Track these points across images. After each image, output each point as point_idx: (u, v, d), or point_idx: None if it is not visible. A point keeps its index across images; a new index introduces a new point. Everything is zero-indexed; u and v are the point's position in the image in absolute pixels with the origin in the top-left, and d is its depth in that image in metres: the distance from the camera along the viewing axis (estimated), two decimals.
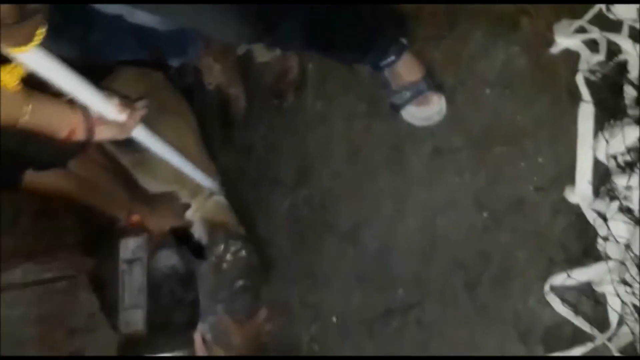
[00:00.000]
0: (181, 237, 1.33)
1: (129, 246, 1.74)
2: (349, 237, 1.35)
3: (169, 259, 1.65)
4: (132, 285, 1.70)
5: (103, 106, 0.88)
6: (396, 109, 1.23)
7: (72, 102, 0.87)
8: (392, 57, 1.17)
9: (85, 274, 1.72)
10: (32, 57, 0.73)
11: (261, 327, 1.17)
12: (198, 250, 1.34)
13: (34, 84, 0.81)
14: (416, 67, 1.19)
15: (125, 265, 1.73)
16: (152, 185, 1.40)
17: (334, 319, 1.41)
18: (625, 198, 0.90)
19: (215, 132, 1.59)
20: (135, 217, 1.35)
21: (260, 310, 1.22)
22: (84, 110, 0.88)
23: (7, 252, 1.58)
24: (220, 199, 1.42)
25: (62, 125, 0.86)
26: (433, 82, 1.20)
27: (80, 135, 0.88)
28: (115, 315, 1.68)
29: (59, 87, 0.80)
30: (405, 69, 1.19)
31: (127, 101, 0.95)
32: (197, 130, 1.51)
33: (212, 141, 1.57)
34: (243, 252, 1.28)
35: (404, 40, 1.19)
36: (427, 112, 1.20)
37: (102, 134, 0.92)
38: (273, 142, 1.48)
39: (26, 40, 0.65)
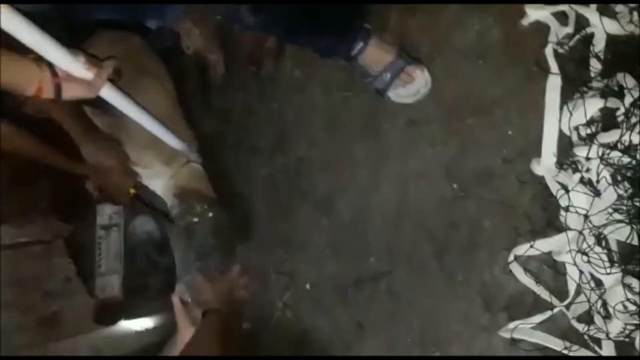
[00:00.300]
0: (145, 201, 1.32)
1: (106, 212, 1.74)
2: (323, 205, 1.37)
3: (145, 224, 1.66)
4: (109, 251, 1.71)
5: (69, 63, 0.87)
6: (381, 92, 1.23)
7: (39, 61, 0.86)
8: (360, 44, 1.18)
9: (61, 239, 1.73)
10: None
11: (234, 282, 1.18)
12: (162, 214, 1.35)
13: None
14: (388, 48, 1.20)
15: (102, 232, 1.74)
16: (128, 149, 1.39)
17: (308, 287, 1.44)
18: (587, 170, 0.92)
19: (194, 97, 1.59)
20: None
21: (233, 267, 1.23)
22: (50, 67, 0.87)
23: None
24: (195, 166, 1.42)
25: (29, 82, 0.85)
26: (409, 56, 1.21)
27: (47, 92, 0.88)
28: (91, 281, 1.70)
29: (24, 44, 0.79)
30: (377, 53, 1.19)
31: (94, 59, 0.94)
32: (174, 95, 1.50)
33: (190, 106, 1.57)
34: (210, 214, 1.29)
35: (367, 26, 1.19)
36: (413, 88, 1.20)
37: (70, 92, 0.91)
38: (251, 108, 1.48)
39: None
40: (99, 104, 1.38)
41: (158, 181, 1.38)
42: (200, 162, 1.44)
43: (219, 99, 1.56)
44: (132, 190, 1.32)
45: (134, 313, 1.63)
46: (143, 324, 1.58)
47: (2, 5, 0.73)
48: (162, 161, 1.37)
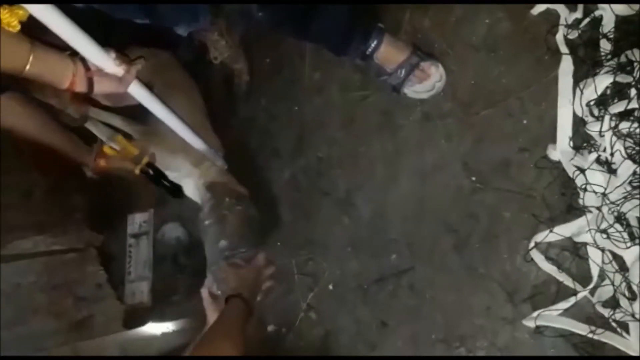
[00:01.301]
0: (157, 174, 1.33)
1: (136, 221, 1.81)
2: (344, 203, 1.40)
3: (174, 231, 1.71)
4: (138, 258, 1.77)
5: (101, 58, 0.94)
6: (396, 89, 1.27)
7: (72, 56, 0.93)
8: (375, 42, 1.21)
9: (94, 247, 1.80)
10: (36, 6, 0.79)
11: (260, 271, 1.19)
12: (174, 189, 1.36)
13: (37, 38, 0.87)
14: (401, 45, 1.23)
15: (132, 240, 1.80)
16: (159, 155, 1.44)
17: (331, 287, 1.44)
18: (604, 150, 0.92)
19: (220, 106, 1.65)
20: (101, 162, 1.33)
21: (259, 255, 1.24)
22: (83, 62, 0.93)
23: (19, 224, 1.65)
24: (223, 167, 1.47)
25: (64, 75, 0.91)
26: (423, 53, 1.24)
27: (80, 86, 0.94)
28: (121, 287, 1.75)
29: (60, 38, 0.86)
30: (391, 51, 1.23)
31: (124, 56, 1.00)
32: (202, 107, 1.57)
33: (216, 116, 1.63)
34: (239, 207, 1.32)
35: (380, 25, 1.24)
36: (428, 83, 1.23)
37: (102, 86, 0.98)
38: (273, 112, 1.53)
39: None
40: (130, 113, 1.46)
41: (188, 180, 1.42)
42: (226, 168, 1.49)
43: (243, 107, 1.62)
44: (145, 160, 1.30)
45: (162, 318, 1.66)
46: (170, 326, 1.61)
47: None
48: (191, 163, 1.42)
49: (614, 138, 0.83)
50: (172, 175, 1.45)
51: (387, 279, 1.32)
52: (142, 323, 1.62)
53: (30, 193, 1.74)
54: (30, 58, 0.84)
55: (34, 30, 0.85)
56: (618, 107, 0.83)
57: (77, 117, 1.29)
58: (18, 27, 0.81)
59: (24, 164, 1.61)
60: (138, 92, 1.07)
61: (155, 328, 1.60)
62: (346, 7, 1.17)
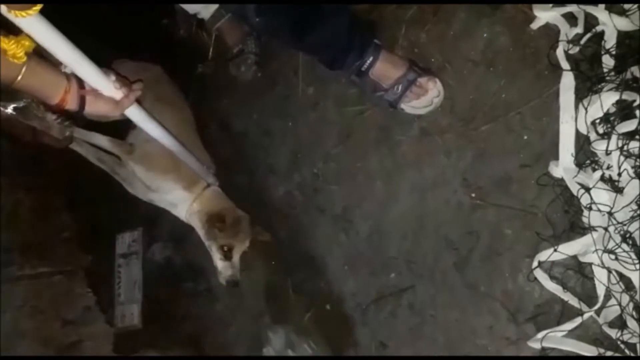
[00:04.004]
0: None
1: (125, 240, 1.76)
2: (341, 220, 1.36)
3: (163, 250, 1.67)
4: (129, 279, 1.72)
5: (100, 81, 0.89)
6: (393, 105, 1.24)
7: (68, 74, 0.88)
8: (370, 58, 1.19)
9: (82, 268, 1.75)
10: (34, 26, 0.75)
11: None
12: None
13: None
14: (398, 62, 1.21)
15: (121, 260, 1.75)
16: (148, 176, 1.41)
17: (328, 307, 1.41)
18: (608, 167, 0.91)
19: (212, 121, 1.62)
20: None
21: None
22: (77, 79, 0.89)
23: (4, 245, 1.60)
24: (215, 189, 1.43)
25: (54, 91, 0.87)
26: (420, 68, 1.21)
27: (71, 104, 0.89)
28: (111, 310, 1.70)
29: (57, 58, 0.82)
30: (387, 67, 1.21)
31: (125, 80, 0.96)
32: (193, 122, 1.53)
33: (208, 130, 1.60)
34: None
35: (377, 41, 1.21)
36: (425, 99, 1.21)
37: (95, 107, 0.93)
38: (267, 128, 1.50)
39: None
40: (116, 132, 1.42)
41: (181, 207, 1.39)
42: (217, 184, 1.46)
43: (235, 122, 1.59)
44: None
45: (152, 343, 1.61)
46: None
47: (39, 18, 0.76)
48: (182, 187, 1.38)
49: (622, 157, 0.81)
50: (162, 198, 1.41)
51: (386, 298, 1.29)
52: (132, 348, 1.57)
53: (16, 211, 1.69)
54: (23, 70, 0.80)
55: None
56: (626, 126, 0.81)
57: (61, 139, 1.25)
58: (24, 59, 0.78)
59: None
60: (134, 114, 1.03)
61: None
62: (346, 21, 1.14)
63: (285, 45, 1.40)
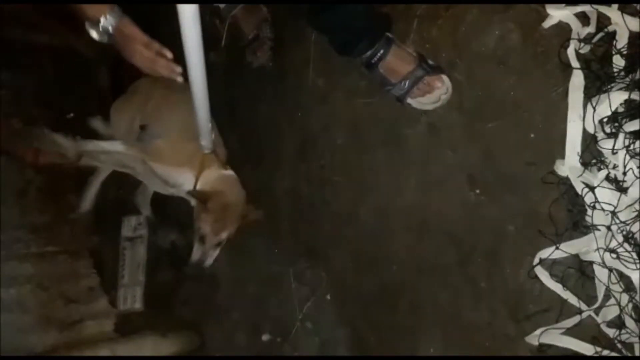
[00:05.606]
0: None
1: (131, 223, 1.77)
2: (346, 214, 1.37)
3: (169, 234, 1.68)
4: (133, 262, 1.74)
5: None
6: (400, 99, 1.25)
7: None
8: (381, 51, 1.20)
9: (87, 249, 1.76)
10: None
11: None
12: None
13: None
14: (407, 57, 1.22)
15: (126, 243, 1.77)
16: (164, 171, 1.41)
17: (329, 297, 1.42)
18: (614, 167, 0.91)
19: (221, 108, 1.62)
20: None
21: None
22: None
23: (12, 222, 1.62)
24: (230, 173, 1.41)
25: None
26: (429, 66, 1.21)
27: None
28: (113, 292, 1.72)
29: None
30: (397, 61, 1.21)
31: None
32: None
33: (217, 119, 1.60)
34: None
35: (389, 34, 1.22)
36: (432, 96, 1.21)
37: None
38: (275, 119, 1.51)
39: None
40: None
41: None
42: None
43: (244, 111, 1.60)
44: None
45: (153, 327, 1.63)
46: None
47: None
48: (194, 175, 1.38)
49: (628, 157, 0.81)
50: (181, 190, 1.41)
51: (387, 291, 1.29)
52: (134, 330, 1.58)
53: (26, 190, 1.71)
54: None
55: None
56: (633, 125, 0.81)
57: (72, 157, 1.27)
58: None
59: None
60: None
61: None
62: (363, 7, 1.15)
63: (299, 16, 1.39)
